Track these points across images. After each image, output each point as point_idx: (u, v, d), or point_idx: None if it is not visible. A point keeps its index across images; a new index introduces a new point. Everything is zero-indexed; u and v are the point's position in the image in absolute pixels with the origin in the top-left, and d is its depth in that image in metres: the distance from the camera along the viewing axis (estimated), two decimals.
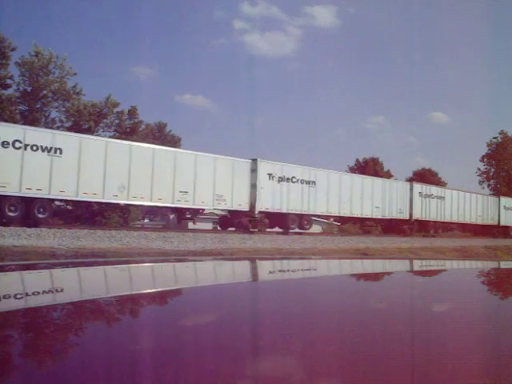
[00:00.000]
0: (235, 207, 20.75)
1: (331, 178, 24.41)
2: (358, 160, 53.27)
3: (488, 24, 79.33)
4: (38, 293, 1.13)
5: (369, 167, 49.64)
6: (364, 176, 28.89)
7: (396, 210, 27.54)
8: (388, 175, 47.64)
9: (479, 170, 54.82)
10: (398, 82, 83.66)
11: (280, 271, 1.87)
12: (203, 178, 19.35)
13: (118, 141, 18.79)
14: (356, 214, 25.82)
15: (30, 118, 31.29)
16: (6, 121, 22.84)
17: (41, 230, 13.70)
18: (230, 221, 21.93)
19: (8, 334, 0.76)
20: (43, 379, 0.57)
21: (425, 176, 47.87)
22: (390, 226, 28.48)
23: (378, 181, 28.19)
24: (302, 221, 23.12)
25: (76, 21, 59.99)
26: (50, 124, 32.69)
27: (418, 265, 2.22)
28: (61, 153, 16.17)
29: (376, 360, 0.64)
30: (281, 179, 22.15)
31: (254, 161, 21.35)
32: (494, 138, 54.09)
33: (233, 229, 21.54)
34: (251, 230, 20.67)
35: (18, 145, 15.32)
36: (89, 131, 31.19)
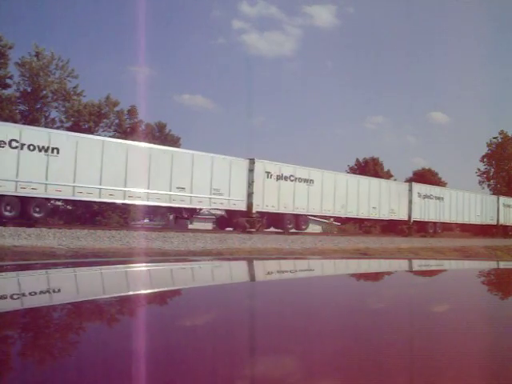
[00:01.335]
0: (232, 207, 20.68)
1: (328, 178, 24.27)
2: (358, 160, 53.28)
3: (488, 24, 79.36)
4: (38, 293, 1.13)
5: (369, 167, 49.63)
6: (363, 176, 28.90)
7: (392, 211, 27.47)
8: (388, 175, 47.65)
9: (479, 170, 54.86)
10: (398, 81, 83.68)
11: (279, 271, 1.87)
12: (200, 177, 19.35)
13: (115, 140, 18.71)
14: (354, 214, 25.77)
15: (30, 118, 31.29)
16: (6, 120, 22.83)
17: (41, 230, 13.70)
18: (228, 221, 21.90)
19: (8, 334, 0.76)
20: (43, 379, 0.57)
21: (425, 176, 47.84)
22: (389, 227, 28.44)
23: (382, 182, 28.48)
24: (299, 221, 23.04)
25: (74, 20, 59.96)
26: (49, 124, 32.69)
27: (417, 265, 2.22)
28: (58, 152, 16.14)
29: (376, 360, 0.64)
30: (278, 178, 22.05)
31: (252, 160, 21.28)
32: (494, 138, 54.12)
33: (230, 229, 21.58)
34: (248, 230, 20.71)
35: (14, 144, 15.30)
36: (89, 131, 31.18)
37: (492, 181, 54.56)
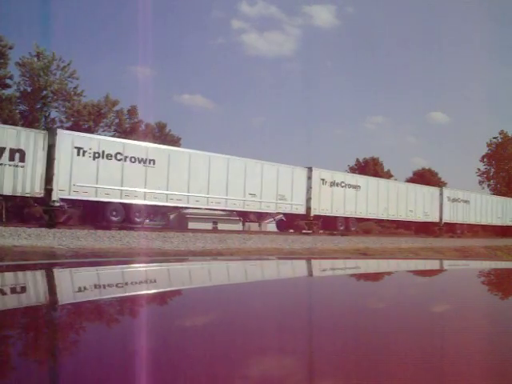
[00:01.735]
0: (294, 211, 22.78)
1: (372, 184, 26.41)
2: (358, 160, 53.29)
3: (488, 23, 79.35)
4: (38, 293, 1.13)
5: (369, 167, 49.63)
6: (401, 182, 31.76)
7: (426, 213, 29.40)
8: (388, 175, 47.64)
9: (479, 170, 54.86)
10: (398, 81, 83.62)
11: (279, 271, 1.87)
12: (268, 185, 21.46)
13: (200, 152, 20.37)
14: (394, 216, 27.45)
15: (30, 118, 31.30)
16: (5, 121, 22.79)
17: (41, 230, 13.70)
18: (288, 223, 24.23)
19: (8, 334, 0.76)
20: (43, 379, 0.57)
21: (425, 176, 47.83)
22: (423, 228, 30.07)
23: (417, 187, 30.32)
24: (349, 223, 25.14)
25: (74, 20, 59.90)
26: (49, 124, 32.69)
27: (417, 265, 2.22)
28: (154, 163, 18.08)
29: (376, 360, 0.64)
30: (332, 185, 24.29)
31: (310, 168, 23.36)
32: (494, 138, 54.10)
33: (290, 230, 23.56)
34: (304, 231, 22.37)
35: (119, 157, 17.36)
36: (89, 131, 31.18)
37: (492, 181, 54.57)
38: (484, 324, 0.88)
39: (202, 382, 0.57)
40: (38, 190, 15.67)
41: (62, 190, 16.03)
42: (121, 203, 17.36)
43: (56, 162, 15.74)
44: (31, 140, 15.77)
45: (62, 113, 33.95)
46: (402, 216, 28.00)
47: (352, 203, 24.85)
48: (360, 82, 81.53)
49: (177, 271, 1.72)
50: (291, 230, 23.37)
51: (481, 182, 54.35)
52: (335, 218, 24.34)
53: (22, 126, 20.65)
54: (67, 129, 30.62)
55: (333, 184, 24.09)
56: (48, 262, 2.77)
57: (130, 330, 0.81)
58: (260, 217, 22.92)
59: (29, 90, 32.71)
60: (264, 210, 21.87)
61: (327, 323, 0.85)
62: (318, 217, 23.71)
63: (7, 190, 15.23)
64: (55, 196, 15.91)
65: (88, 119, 33.49)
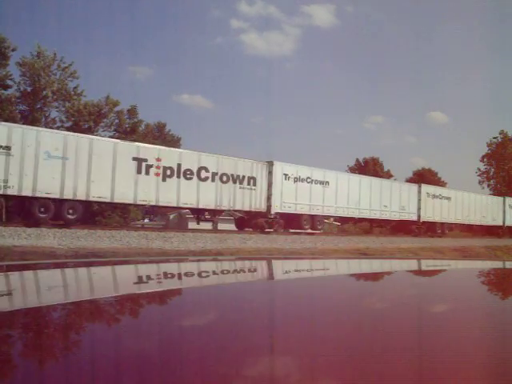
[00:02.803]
0: (410, 217, 26.99)
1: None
2: (358, 160, 53.32)
3: (488, 23, 79.35)
4: (38, 293, 1.13)
5: (369, 167, 49.66)
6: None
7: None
8: (388, 175, 47.67)
9: (479, 169, 54.87)
10: (397, 81, 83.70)
11: (278, 271, 1.87)
12: (395, 198, 27.33)
13: (357, 175, 27.33)
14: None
15: (30, 119, 31.29)
16: (6, 120, 22.81)
17: (41, 230, 13.70)
18: (401, 227, 27.06)
19: (8, 334, 0.76)
20: (43, 379, 0.57)
21: (425, 176, 47.86)
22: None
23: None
24: (444, 227, 26.92)
25: (74, 20, 60.00)
26: (49, 124, 32.70)
27: (417, 265, 2.22)
28: (328, 184, 23.96)
29: (377, 360, 0.64)
30: (434, 197, 28.19)
31: (419, 184, 26.24)
32: (494, 138, 54.12)
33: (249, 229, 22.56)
34: (414, 234, 23.38)
35: (308, 180, 23.26)
36: (89, 131, 31.20)
37: (492, 181, 54.57)
38: (484, 324, 0.88)
39: (201, 381, 0.57)
40: (263, 207, 21.64)
41: (276, 206, 21.76)
42: (309, 215, 23.01)
43: (273, 185, 21.83)
44: (259, 169, 21.70)
45: (62, 112, 33.98)
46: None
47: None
48: (360, 82, 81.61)
49: (176, 271, 1.72)
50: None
51: (481, 182, 54.41)
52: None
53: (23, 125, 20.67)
54: (67, 129, 30.77)
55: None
56: (48, 262, 2.77)
57: (130, 330, 0.81)
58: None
59: (29, 89, 32.72)
60: (392, 217, 26.89)
61: (327, 323, 0.85)
62: (424, 222, 25.85)
63: (246, 207, 21.23)
64: (273, 210, 21.70)
65: (88, 119, 33.49)
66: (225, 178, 20.56)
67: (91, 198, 16.99)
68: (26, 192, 15.41)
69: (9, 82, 32.14)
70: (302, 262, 2.39)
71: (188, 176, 19.26)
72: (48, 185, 15.68)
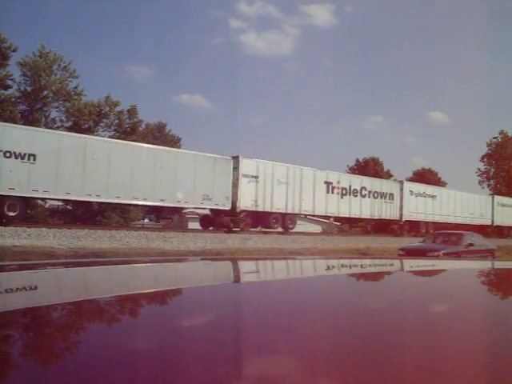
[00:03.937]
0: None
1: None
2: (357, 160, 53.32)
3: (488, 23, 79.29)
4: (38, 293, 1.13)
5: (369, 167, 49.66)
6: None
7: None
8: (388, 175, 47.68)
9: (479, 169, 54.87)
10: (397, 81, 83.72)
11: (277, 271, 1.88)
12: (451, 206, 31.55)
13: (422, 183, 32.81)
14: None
15: (31, 119, 31.29)
16: (6, 121, 22.78)
17: (41, 230, 13.71)
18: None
19: (8, 334, 0.76)
20: (43, 379, 0.57)
21: (425, 176, 47.89)
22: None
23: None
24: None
25: (74, 20, 60.03)
26: (50, 124, 32.69)
27: (417, 265, 2.22)
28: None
29: (374, 360, 0.64)
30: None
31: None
32: (494, 138, 54.14)
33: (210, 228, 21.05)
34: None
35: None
36: (89, 131, 31.20)
37: (492, 181, 54.58)
38: (484, 324, 0.89)
39: (201, 381, 0.57)
40: (397, 217, 28.37)
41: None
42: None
43: (405, 200, 28.24)
44: (394, 187, 28.13)
45: (62, 112, 33.98)
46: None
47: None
48: (359, 82, 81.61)
49: (176, 271, 1.72)
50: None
51: (481, 182, 54.42)
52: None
53: (23, 125, 20.67)
54: (67, 129, 30.76)
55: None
56: (48, 262, 2.77)
57: (130, 330, 0.81)
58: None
59: (29, 89, 32.71)
60: (451, 221, 30.28)
61: (325, 323, 0.85)
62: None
63: (385, 216, 27.46)
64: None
65: (88, 119, 33.49)
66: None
67: (302, 212, 24.06)
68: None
69: (9, 82, 32.15)
70: (302, 262, 2.39)
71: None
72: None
